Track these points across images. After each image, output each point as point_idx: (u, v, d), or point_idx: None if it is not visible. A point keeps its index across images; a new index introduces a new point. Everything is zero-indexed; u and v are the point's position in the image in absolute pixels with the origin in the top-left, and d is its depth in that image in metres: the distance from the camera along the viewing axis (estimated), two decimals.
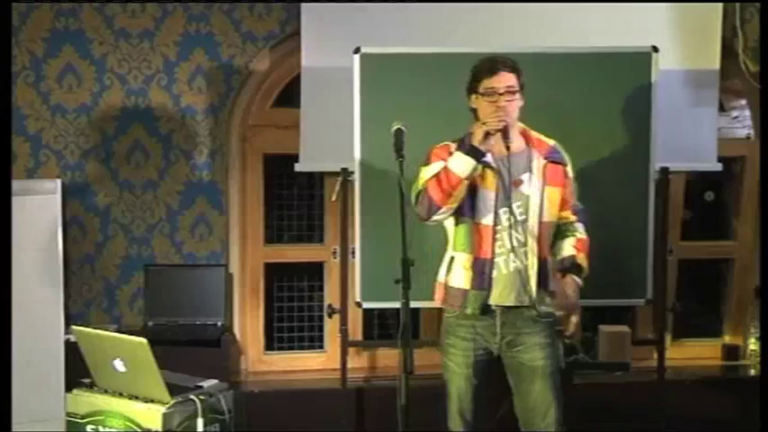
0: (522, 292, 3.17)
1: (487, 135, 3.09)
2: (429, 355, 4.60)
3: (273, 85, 4.73)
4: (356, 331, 4.72)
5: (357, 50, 3.96)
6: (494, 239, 3.15)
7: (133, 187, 4.60)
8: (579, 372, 4.36)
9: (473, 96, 3.20)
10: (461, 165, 3.08)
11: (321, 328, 4.90)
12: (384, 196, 3.55)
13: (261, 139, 4.72)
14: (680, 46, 4.38)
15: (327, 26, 4.33)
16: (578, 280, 3.24)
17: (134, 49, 4.54)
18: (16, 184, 3.94)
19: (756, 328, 4.94)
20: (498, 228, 3.16)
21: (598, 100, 4.02)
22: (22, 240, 4.07)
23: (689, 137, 4.39)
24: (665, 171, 4.21)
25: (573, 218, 3.34)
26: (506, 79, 3.12)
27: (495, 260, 3.16)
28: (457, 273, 3.21)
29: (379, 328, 4.91)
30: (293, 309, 4.92)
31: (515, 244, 3.16)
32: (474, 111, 3.24)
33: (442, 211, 3.12)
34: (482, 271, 3.15)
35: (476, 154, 3.08)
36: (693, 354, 5.01)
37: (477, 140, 3.09)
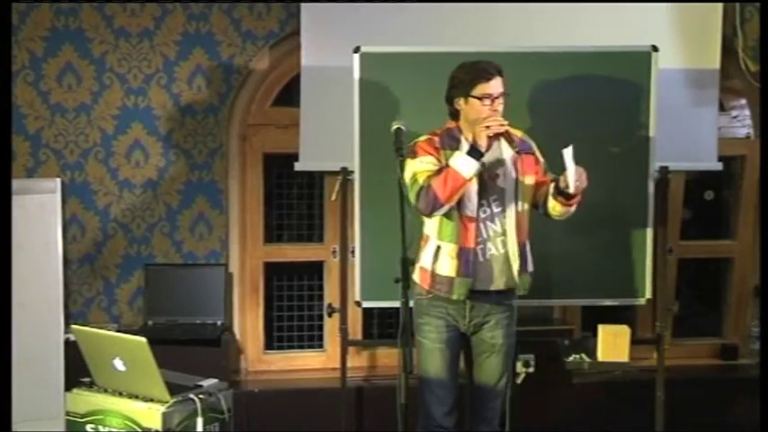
0: (501, 276, 3.37)
1: (490, 138, 3.26)
2: None
3: (273, 84, 4.72)
4: (356, 330, 4.71)
5: (357, 50, 3.95)
6: (476, 230, 3.32)
7: (133, 186, 4.61)
8: (579, 371, 4.36)
9: (461, 100, 3.34)
10: (467, 166, 3.22)
11: (321, 328, 4.90)
12: (384, 195, 3.55)
13: (260, 138, 4.72)
14: (680, 46, 4.37)
15: (327, 25, 4.32)
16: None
17: (134, 49, 4.54)
18: (16, 184, 3.95)
19: (756, 327, 4.94)
20: (479, 219, 3.33)
21: (598, 99, 4.01)
22: (22, 239, 4.08)
23: (689, 136, 4.38)
24: (664, 170, 4.20)
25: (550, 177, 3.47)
26: (500, 84, 3.30)
27: (477, 249, 3.33)
28: (444, 261, 3.35)
29: (379, 327, 4.92)
30: (293, 308, 4.91)
31: (491, 234, 3.35)
32: (456, 112, 3.37)
33: (444, 207, 3.26)
34: (467, 259, 3.32)
35: (478, 156, 3.24)
36: (693, 353, 5.02)
37: (482, 143, 3.24)
